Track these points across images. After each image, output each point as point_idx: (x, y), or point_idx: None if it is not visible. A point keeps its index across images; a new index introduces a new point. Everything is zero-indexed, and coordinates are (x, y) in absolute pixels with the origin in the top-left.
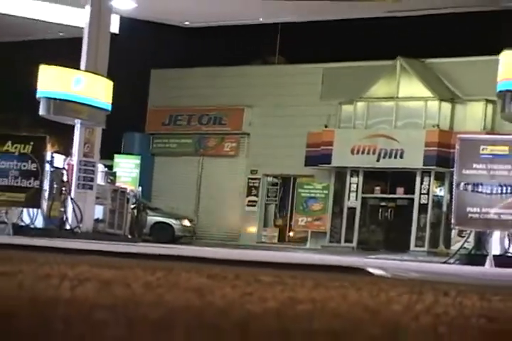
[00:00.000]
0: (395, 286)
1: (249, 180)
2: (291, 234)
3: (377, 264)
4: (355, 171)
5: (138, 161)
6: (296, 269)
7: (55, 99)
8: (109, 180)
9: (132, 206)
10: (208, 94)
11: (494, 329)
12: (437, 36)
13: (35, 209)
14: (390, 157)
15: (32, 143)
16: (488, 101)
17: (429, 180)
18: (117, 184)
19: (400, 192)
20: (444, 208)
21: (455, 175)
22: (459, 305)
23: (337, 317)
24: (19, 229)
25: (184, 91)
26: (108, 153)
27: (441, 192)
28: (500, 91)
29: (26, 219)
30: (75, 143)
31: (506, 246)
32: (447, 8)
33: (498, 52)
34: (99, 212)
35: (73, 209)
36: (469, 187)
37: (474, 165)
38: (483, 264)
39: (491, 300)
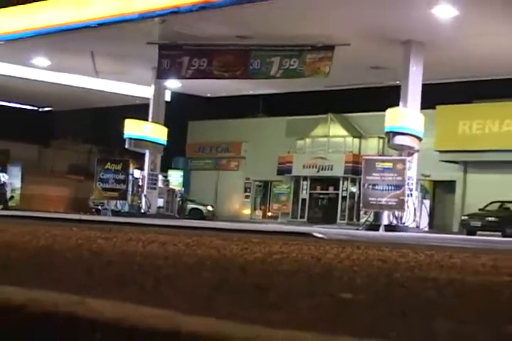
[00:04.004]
0: (329, 243)
1: (245, 184)
2: (269, 214)
3: (319, 231)
4: (305, 178)
5: (182, 173)
6: (272, 234)
7: (134, 138)
8: (165, 184)
9: (178, 199)
10: (220, 135)
11: (386, 267)
12: (351, 99)
13: (123, 201)
14: (324, 170)
15: (121, 163)
16: (380, 137)
17: (347, 183)
18: (170, 186)
19: (330, 190)
20: (356, 198)
21: (362, 180)
22: (365, 253)
23: (296, 262)
24: (115, 212)
25: (207, 134)
26: (165, 168)
27: (354, 189)
28: (387, 132)
29: (119, 207)
30: (146, 163)
31: (391, 220)
32: (362, 84)
33: (385, 110)
34: (160, 202)
35: (145, 201)
36: (370, 187)
37: (373, 174)
38: (378, 230)
39: (383, 250)
